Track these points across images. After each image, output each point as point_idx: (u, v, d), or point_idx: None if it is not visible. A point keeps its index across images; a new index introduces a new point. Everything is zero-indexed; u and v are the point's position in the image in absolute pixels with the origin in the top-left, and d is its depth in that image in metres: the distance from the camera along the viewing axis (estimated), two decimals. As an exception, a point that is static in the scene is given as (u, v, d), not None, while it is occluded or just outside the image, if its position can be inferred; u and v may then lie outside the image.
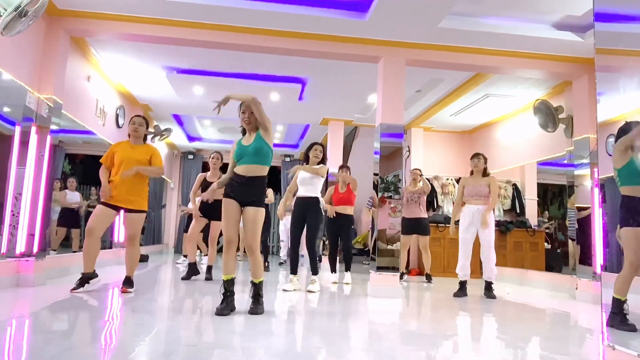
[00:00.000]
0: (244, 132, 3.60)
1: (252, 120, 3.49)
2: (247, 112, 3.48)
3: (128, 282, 4.29)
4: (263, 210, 3.46)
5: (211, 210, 5.53)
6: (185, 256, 8.20)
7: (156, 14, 4.92)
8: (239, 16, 4.91)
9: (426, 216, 6.81)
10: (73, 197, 6.19)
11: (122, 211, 4.27)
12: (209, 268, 5.68)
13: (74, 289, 4.09)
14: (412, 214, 6.68)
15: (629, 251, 2.16)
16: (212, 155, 5.80)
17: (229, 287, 3.39)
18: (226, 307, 3.33)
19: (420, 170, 7.07)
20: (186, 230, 7.45)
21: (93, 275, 4.22)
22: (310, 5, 4.86)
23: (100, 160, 4.35)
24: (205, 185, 5.64)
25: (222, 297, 3.38)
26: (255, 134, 3.50)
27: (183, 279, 5.55)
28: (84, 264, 4.17)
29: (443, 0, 4.46)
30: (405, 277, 6.95)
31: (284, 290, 4.90)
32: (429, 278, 6.76)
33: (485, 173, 5.35)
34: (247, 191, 3.41)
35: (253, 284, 3.46)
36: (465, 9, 4.83)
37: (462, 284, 5.24)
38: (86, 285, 4.15)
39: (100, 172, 4.33)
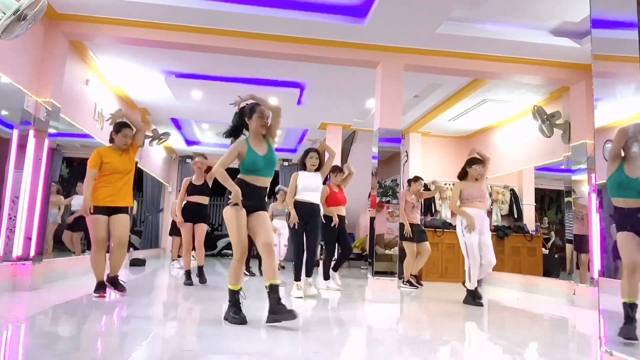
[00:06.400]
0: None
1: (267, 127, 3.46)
2: (266, 118, 3.43)
3: (115, 283, 4.26)
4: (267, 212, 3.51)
5: (195, 214, 5.55)
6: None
7: (155, 18, 4.92)
8: (238, 21, 4.92)
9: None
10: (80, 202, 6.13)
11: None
12: (200, 269, 5.57)
13: (99, 294, 4.09)
14: (415, 219, 6.45)
15: (622, 254, 2.19)
16: (195, 159, 5.71)
17: (238, 297, 3.31)
18: (242, 314, 3.24)
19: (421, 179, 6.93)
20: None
21: (104, 284, 4.21)
22: (309, 10, 4.86)
23: (92, 167, 4.12)
24: (192, 189, 5.56)
25: (235, 306, 3.27)
26: (265, 143, 3.43)
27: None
28: (97, 273, 4.17)
29: (441, 6, 4.48)
30: (402, 284, 6.68)
31: (296, 297, 4.75)
32: (418, 281, 6.55)
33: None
34: (259, 197, 3.40)
35: (272, 287, 3.19)
36: (464, 15, 4.85)
37: (474, 292, 4.92)
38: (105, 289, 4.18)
39: (88, 180, 4.11)
